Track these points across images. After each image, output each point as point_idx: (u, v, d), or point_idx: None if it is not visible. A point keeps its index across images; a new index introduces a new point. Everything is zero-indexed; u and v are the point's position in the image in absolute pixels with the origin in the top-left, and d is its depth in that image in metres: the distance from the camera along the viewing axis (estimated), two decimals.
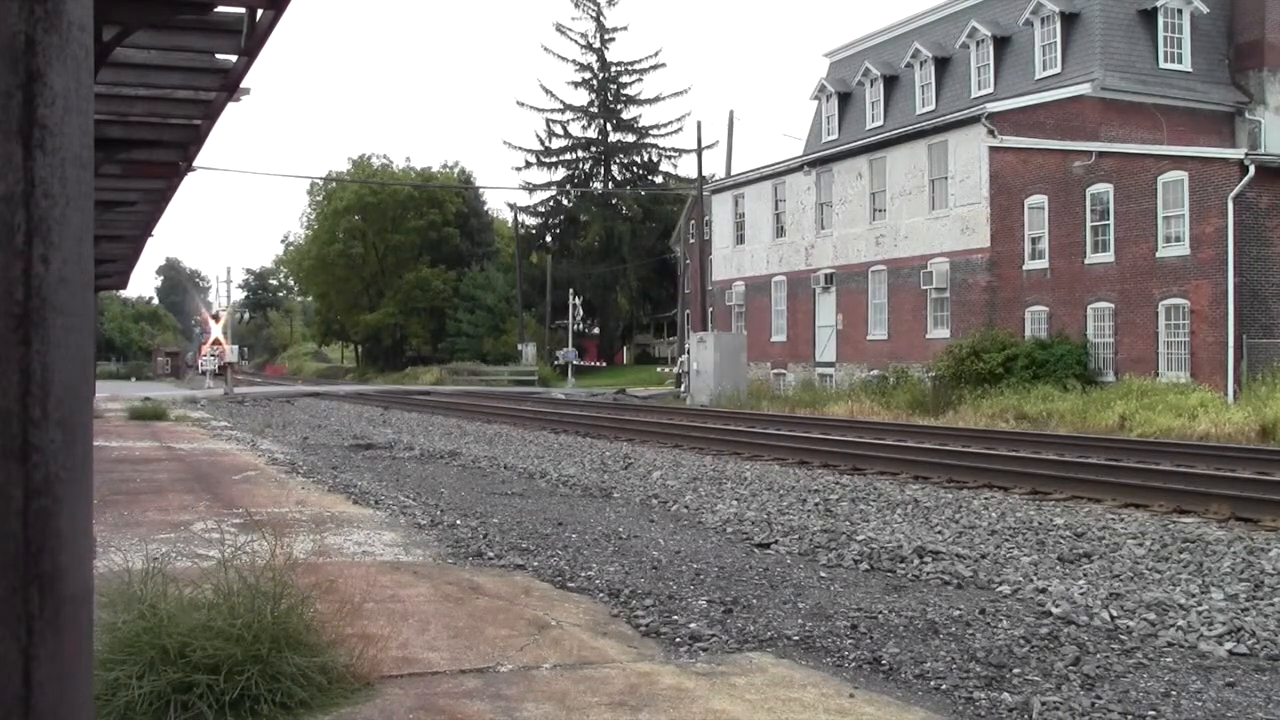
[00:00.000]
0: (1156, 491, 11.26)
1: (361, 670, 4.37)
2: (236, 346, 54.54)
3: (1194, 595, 6.83)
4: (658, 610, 6.28)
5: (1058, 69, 33.67)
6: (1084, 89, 32.30)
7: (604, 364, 67.33)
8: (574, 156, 72.66)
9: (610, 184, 71.31)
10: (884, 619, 6.18)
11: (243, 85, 9.81)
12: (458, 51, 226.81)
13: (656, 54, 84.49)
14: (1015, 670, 5.23)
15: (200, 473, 13.25)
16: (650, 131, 71.84)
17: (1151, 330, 26.39)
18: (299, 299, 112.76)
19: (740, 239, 43.81)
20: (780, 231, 41.09)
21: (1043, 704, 4.68)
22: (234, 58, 8.92)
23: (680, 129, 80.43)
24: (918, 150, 34.04)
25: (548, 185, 73.49)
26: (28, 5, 1.55)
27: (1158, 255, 26.26)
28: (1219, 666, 5.39)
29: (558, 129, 71.74)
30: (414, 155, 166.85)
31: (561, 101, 71.60)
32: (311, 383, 71.00)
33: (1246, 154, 25.80)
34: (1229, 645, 5.72)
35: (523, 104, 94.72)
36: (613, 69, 71.18)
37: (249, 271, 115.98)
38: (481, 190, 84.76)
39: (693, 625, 5.95)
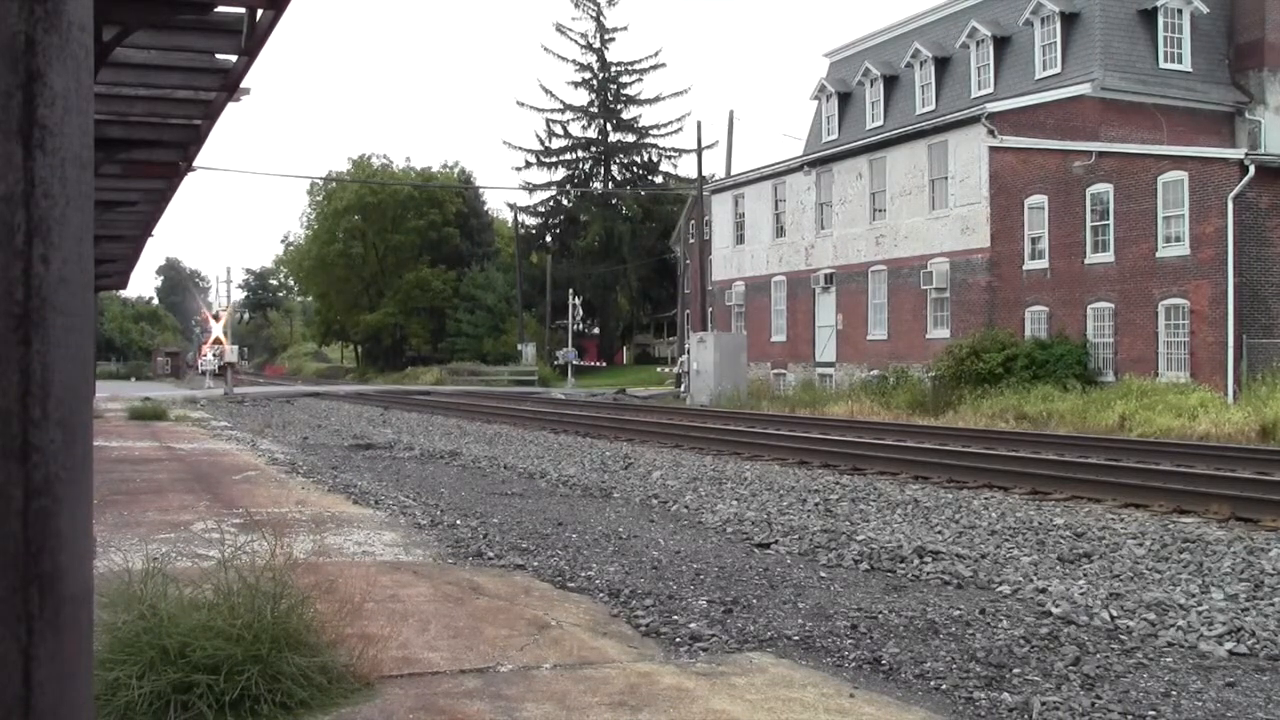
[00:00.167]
0: (1156, 491, 11.25)
1: (361, 670, 4.37)
2: (236, 346, 54.53)
3: (1194, 595, 6.83)
4: (658, 610, 6.28)
5: (1058, 69, 33.67)
6: (1084, 89, 32.30)
7: (604, 364, 67.34)
8: (574, 156, 72.71)
9: (610, 184, 71.33)
10: (884, 619, 6.18)
11: (243, 85, 9.81)
12: (458, 51, 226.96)
13: (656, 54, 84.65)
14: (1015, 670, 5.23)
15: (200, 473, 13.25)
16: (650, 131, 71.91)
17: (1151, 330, 26.39)
18: (299, 299, 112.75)
19: (740, 239, 43.81)
20: (780, 231, 41.10)
21: (1043, 704, 4.68)
22: (234, 58, 8.93)
23: (680, 129, 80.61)
24: (918, 150, 34.05)
25: (548, 185, 73.61)
26: (28, 5, 1.55)
27: (1158, 255, 26.26)
28: (1219, 666, 5.39)
29: (558, 129, 71.86)
30: (414, 155, 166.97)
31: (561, 101, 71.71)
32: (311, 383, 71.01)
33: (1246, 154, 25.80)
34: (1229, 645, 5.72)
35: (523, 104, 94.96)
36: (613, 69, 71.21)
37: (249, 271, 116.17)
38: (481, 190, 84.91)
39: (693, 625, 5.95)
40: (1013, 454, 16.06)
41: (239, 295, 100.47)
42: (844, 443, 18.35)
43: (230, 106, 10.55)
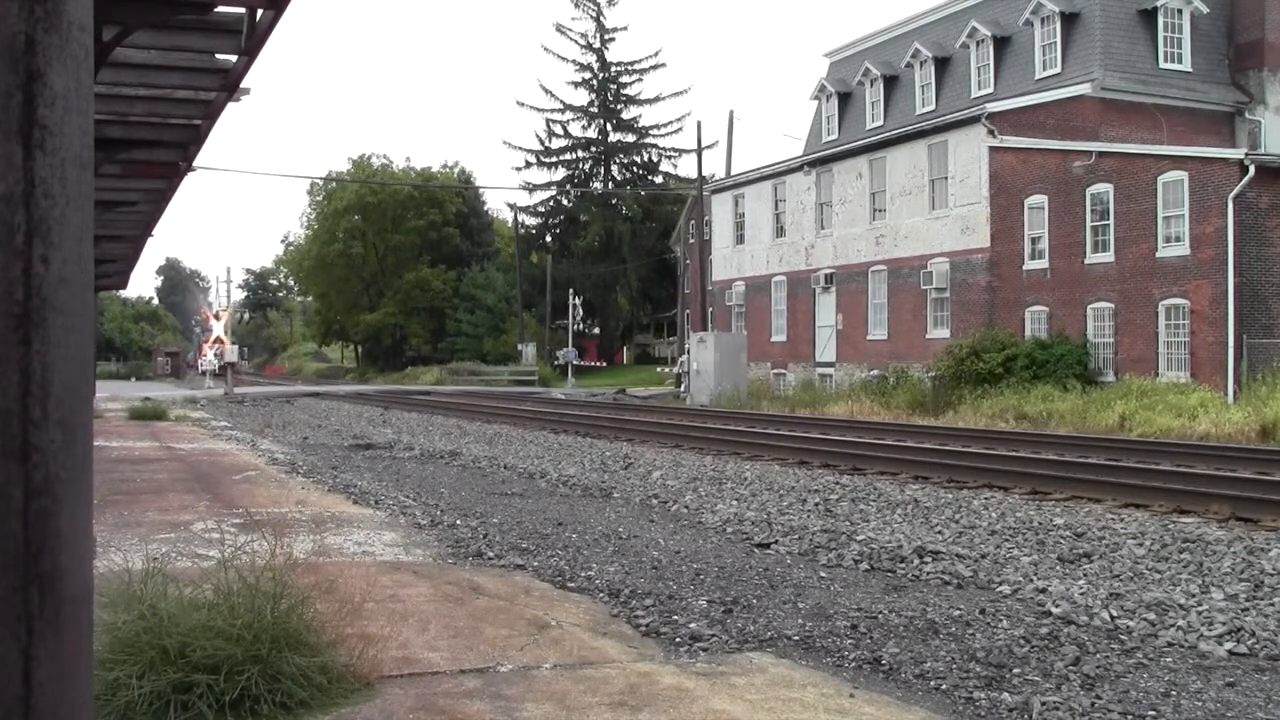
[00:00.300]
0: (1156, 491, 11.25)
1: (361, 670, 4.37)
2: (237, 346, 54.54)
3: (1194, 595, 6.83)
4: (658, 610, 6.28)
5: (1058, 69, 33.67)
6: (1084, 89, 32.30)
7: (604, 364, 67.34)
8: (574, 156, 72.70)
9: (610, 184, 71.33)
10: (884, 619, 6.18)
11: (243, 85, 9.81)
12: (458, 51, 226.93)
13: (656, 54, 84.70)
14: (1015, 670, 5.23)
15: (200, 473, 13.25)
16: (650, 131, 71.90)
17: (1151, 330, 26.39)
18: (299, 299, 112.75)
19: (740, 239, 43.81)
20: (780, 231, 41.10)
21: (1043, 704, 4.68)
22: (234, 58, 8.93)
23: (680, 129, 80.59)
24: (918, 150, 34.05)
25: (548, 185, 73.60)
26: (28, 5, 1.55)
27: (1158, 255, 26.25)
28: (1219, 666, 5.39)
29: (558, 129, 71.85)
30: (414, 155, 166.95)
31: (561, 101, 71.70)
32: (311, 383, 71.00)
33: (1246, 154, 25.80)
34: (1229, 645, 5.72)
35: (523, 104, 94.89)
36: (613, 69, 71.21)
37: (249, 271, 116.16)
38: (481, 190, 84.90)
39: (693, 625, 5.95)
40: (1013, 454, 16.06)
41: (239, 295, 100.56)
42: (844, 443, 18.35)
43: (230, 106, 10.56)
